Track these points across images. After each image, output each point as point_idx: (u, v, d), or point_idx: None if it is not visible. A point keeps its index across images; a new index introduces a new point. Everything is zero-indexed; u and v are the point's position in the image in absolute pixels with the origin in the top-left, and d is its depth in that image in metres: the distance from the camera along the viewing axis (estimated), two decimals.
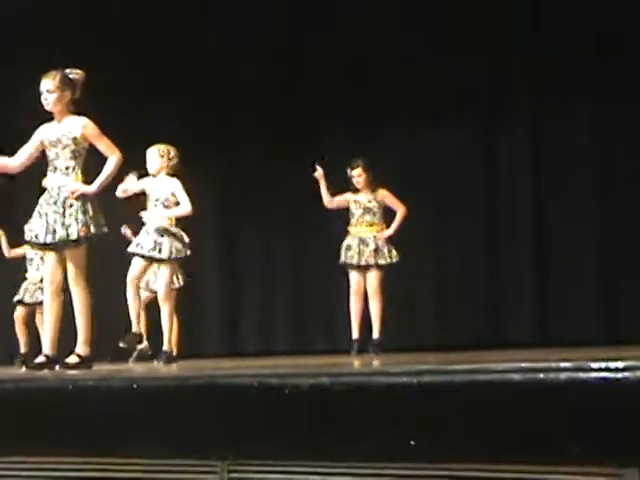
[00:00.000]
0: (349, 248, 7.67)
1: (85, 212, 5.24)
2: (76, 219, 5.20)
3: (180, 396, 3.09)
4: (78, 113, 5.42)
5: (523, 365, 2.64)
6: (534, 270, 8.83)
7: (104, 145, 5.37)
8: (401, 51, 9.12)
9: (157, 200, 6.75)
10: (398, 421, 2.74)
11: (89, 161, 5.45)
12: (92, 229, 5.25)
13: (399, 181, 8.56)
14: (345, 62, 9.54)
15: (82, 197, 5.27)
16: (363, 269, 7.64)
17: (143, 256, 6.62)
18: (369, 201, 7.76)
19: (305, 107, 9.63)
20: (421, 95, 9.08)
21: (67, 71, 5.40)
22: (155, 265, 6.90)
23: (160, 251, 6.63)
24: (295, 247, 9.98)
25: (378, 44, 9.34)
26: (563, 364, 2.56)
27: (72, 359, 5.23)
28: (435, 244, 9.28)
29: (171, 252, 6.66)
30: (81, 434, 3.24)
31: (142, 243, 6.68)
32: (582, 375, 2.50)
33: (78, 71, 5.44)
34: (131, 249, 6.69)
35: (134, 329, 6.68)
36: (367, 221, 7.72)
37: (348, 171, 7.86)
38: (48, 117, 5.45)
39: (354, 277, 7.65)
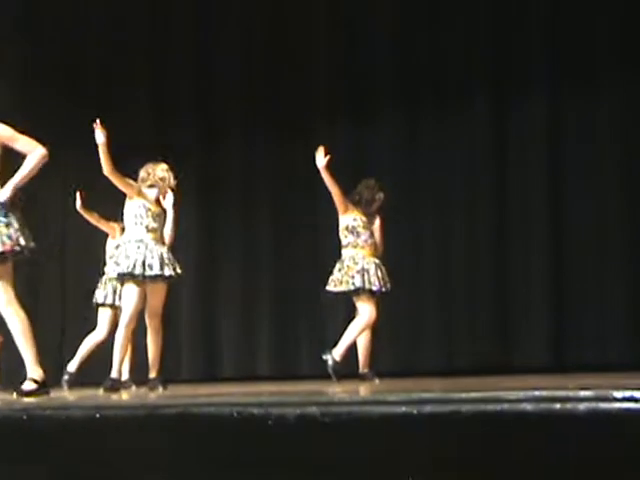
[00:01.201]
0: (367, 272, 7.51)
1: (9, 225, 5.17)
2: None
3: (149, 428, 3.07)
4: None
5: (537, 394, 2.63)
6: (548, 286, 8.84)
7: (22, 144, 5.30)
8: (401, 22, 9.20)
9: (149, 210, 6.85)
10: (396, 456, 2.72)
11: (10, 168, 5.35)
12: (21, 242, 5.18)
13: (396, 179, 8.59)
14: (338, 41, 9.62)
15: (4, 208, 5.18)
16: (377, 296, 7.55)
17: (162, 277, 6.71)
18: (372, 224, 7.70)
19: (296, 91, 9.69)
20: (421, 74, 9.15)
21: None
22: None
23: (171, 266, 6.77)
24: (280, 260, 9.97)
25: (375, 19, 9.43)
26: (582, 393, 2.56)
27: (28, 385, 5.18)
28: (438, 255, 9.29)
29: (176, 267, 6.81)
30: (36, 470, 3.21)
31: (148, 262, 6.71)
32: (604, 405, 2.49)
33: None
34: (136, 271, 6.71)
35: (114, 375, 6.69)
36: (372, 245, 7.65)
37: (375, 195, 7.69)
38: None
39: (371, 306, 7.48)
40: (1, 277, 5.20)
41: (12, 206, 5.25)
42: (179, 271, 6.88)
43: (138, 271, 6.69)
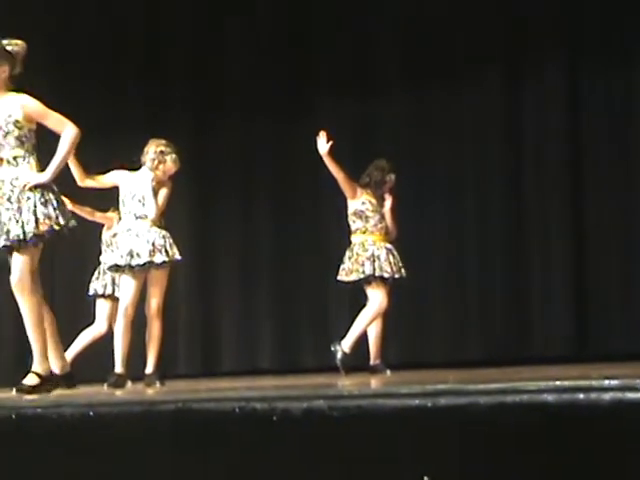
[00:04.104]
0: (377, 258, 7.55)
1: (47, 203, 5.17)
2: (34, 213, 5.12)
3: (146, 425, 3.08)
4: (16, 90, 5.31)
5: (559, 384, 2.63)
6: (569, 269, 8.83)
7: (54, 121, 5.27)
8: None
9: (134, 196, 6.88)
10: (409, 452, 2.73)
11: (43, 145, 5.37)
12: (61, 221, 5.18)
13: (405, 157, 8.59)
14: (343, 11, 9.60)
15: (40, 187, 5.18)
16: (389, 284, 7.60)
17: (151, 264, 6.71)
18: (382, 206, 7.74)
19: (299, 66, 9.67)
20: (431, 45, 9.13)
21: (4, 42, 5.28)
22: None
23: (170, 254, 6.76)
24: (281, 247, 9.97)
25: None
26: (607, 382, 2.56)
27: (30, 380, 5.18)
28: (450, 238, 9.28)
29: (171, 253, 6.80)
30: (27, 474, 3.22)
31: (136, 250, 6.74)
32: (631, 395, 2.49)
33: (18, 42, 5.33)
34: (121, 261, 6.76)
35: (119, 370, 6.71)
36: (383, 229, 7.69)
37: (386, 176, 7.73)
38: None
39: (382, 293, 7.53)
40: (27, 260, 5.17)
41: (49, 186, 5.27)
42: (177, 257, 6.85)
43: (123, 262, 6.77)
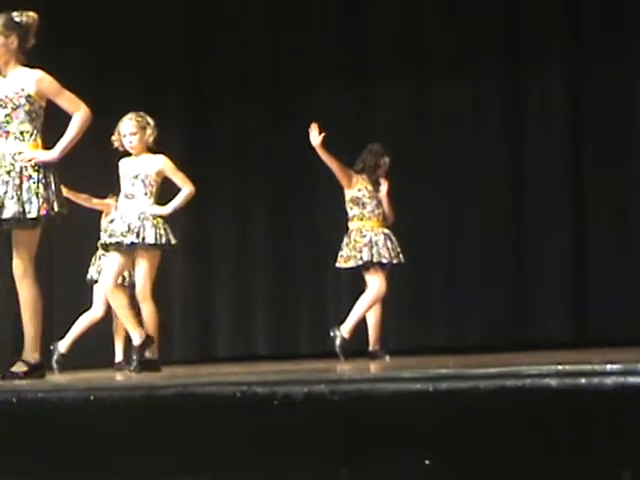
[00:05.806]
0: (375, 244, 7.55)
1: (47, 186, 5.09)
2: (36, 194, 5.03)
3: (147, 409, 3.08)
4: (30, 65, 5.23)
5: (560, 368, 2.64)
6: (570, 254, 8.83)
7: (67, 101, 5.21)
8: None
9: (135, 178, 6.76)
10: (411, 436, 2.74)
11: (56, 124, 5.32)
12: (55, 207, 5.09)
13: (403, 145, 8.58)
14: None
15: (43, 167, 5.11)
16: (387, 269, 7.62)
17: (120, 244, 6.62)
18: (378, 191, 7.74)
19: (294, 52, 9.66)
20: (429, 33, 9.11)
21: (14, 14, 5.20)
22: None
23: (140, 236, 6.64)
24: (277, 232, 9.96)
25: None
26: (609, 367, 2.57)
27: (18, 367, 5.15)
28: (448, 223, 9.28)
29: (155, 237, 6.63)
30: (27, 457, 3.23)
31: (116, 230, 6.68)
32: (632, 380, 2.50)
33: (28, 13, 5.24)
34: (102, 240, 6.78)
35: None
36: (381, 215, 7.70)
37: (380, 160, 7.74)
38: None
39: (381, 279, 7.54)
40: (25, 243, 5.11)
41: (51, 168, 5.19)
42: (148, 240, 6.59)
43: (102, 240, 6.75)
